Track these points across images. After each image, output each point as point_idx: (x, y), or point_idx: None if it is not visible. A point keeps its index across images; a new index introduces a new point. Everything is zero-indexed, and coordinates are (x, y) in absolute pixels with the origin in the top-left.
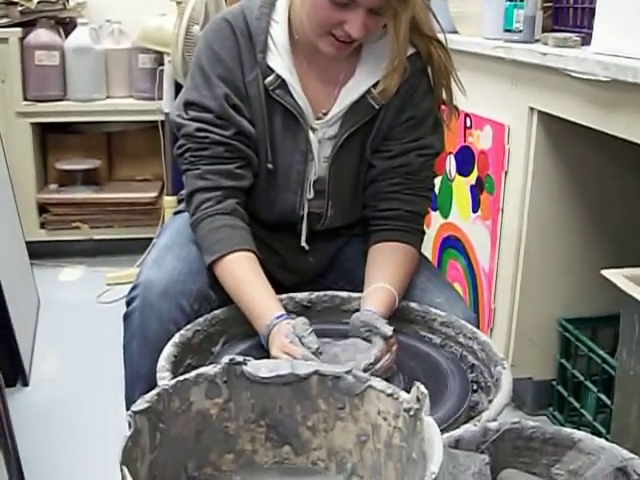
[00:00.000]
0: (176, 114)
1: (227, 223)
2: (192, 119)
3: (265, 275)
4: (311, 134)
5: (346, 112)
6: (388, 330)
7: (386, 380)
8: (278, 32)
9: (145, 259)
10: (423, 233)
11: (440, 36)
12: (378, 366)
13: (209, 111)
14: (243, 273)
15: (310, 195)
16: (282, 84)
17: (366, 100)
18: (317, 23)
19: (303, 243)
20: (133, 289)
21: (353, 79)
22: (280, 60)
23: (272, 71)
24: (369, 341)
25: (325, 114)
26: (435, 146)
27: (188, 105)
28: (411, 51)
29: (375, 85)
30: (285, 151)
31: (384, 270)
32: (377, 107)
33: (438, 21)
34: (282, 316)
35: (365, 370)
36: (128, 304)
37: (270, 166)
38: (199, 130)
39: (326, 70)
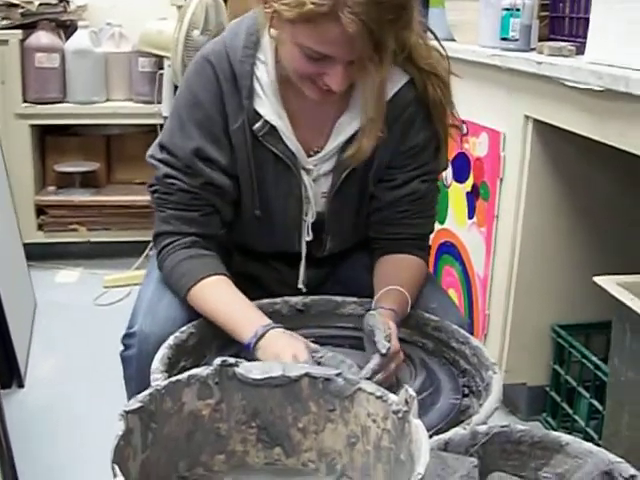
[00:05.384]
0: (150, 153)
1: (188, 254)
2: (162, 161)
3: (264, 289)
4: (305, 176)
5: (341, 148)
6: (383, 347)
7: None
8: (264, 73)
9: (139, 296)
10: (429, 248)
11: (444, 64)
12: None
13: (178, 159)
14: (216, 295)
15: (309, 237)
16: (271, 130)
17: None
18: (294, 73)
19: (300, 285)
20: (129, 336)
21: (347, 113)
22: (268, 104)
23: (260, 116)
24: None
25: (318, 151)
26: (438, 169)
27: (161, 147)
28: (404, 80)
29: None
30: (279, 196)
31: (395, 276)
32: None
33: (443, 54)
34: (269, 324)
35: None
36: (125, 347)
37: (257, 213)
38: (166, 176)
39: (317, 106)
